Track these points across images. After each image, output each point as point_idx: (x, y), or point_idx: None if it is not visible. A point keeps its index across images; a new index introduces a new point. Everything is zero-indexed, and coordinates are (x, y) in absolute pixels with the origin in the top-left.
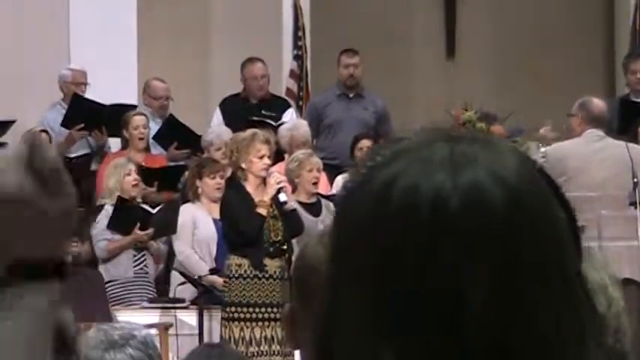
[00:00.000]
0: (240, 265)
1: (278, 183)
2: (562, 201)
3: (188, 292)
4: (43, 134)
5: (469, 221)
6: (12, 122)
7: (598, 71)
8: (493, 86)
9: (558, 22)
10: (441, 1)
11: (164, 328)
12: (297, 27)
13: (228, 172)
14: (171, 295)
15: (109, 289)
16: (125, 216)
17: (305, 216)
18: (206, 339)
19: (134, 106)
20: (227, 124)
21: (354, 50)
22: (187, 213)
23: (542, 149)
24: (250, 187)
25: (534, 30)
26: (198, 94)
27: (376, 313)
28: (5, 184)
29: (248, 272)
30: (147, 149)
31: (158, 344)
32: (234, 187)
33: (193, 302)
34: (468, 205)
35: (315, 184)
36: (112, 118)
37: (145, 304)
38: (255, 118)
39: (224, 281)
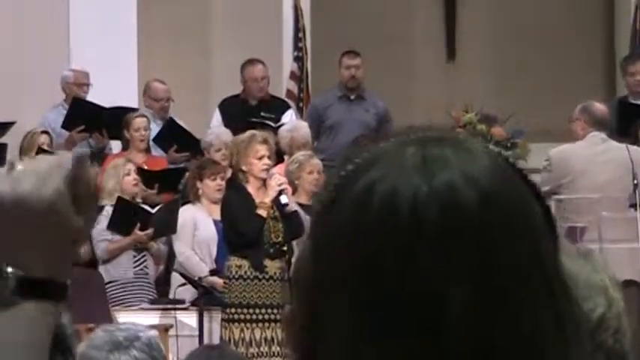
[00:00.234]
0: (240, 267)
1: (279, 185)
2: (536, 195)
3: (189, 293)
4: (44, 135)
5: (445, 224)
6: (12, 124)
7: (598, 72)
8: (493, 87)
9: (558, 23)
10: (441, 1)
11: (164, 329)
12: (298, 28)
13: (229, 174)
14: (171, 296)
15: (109, 289)
16: (125, 216)
17: (305, 218)
18: (206, 340)
19: (135, 109)
20: (226, 126)
21: (356, 52)
22: (188, 214)
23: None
24: (251, 188)
25: (534, 31)
26: (199, 94)
27: (357, 316)
28: (44, 188)
29: (248, 273)
30: (147, 150)
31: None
32: (235, 189)
33: (193, 303)
34: (443, 208)
35: (315, 185)
36: (112, 121)
37: (145, 305)
38: (254, 120)
39: (224, 282)
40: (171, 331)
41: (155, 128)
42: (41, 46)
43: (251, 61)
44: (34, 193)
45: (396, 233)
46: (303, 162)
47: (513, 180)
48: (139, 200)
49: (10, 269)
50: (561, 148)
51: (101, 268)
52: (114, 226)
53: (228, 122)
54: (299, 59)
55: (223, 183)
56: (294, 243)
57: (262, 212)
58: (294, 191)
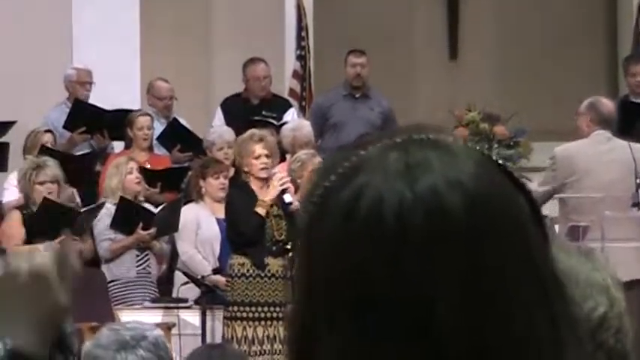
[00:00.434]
0: (242, 265)
1: (282, 184)
2: (524, 193)
3: (192, 292)
4: (48, 134)
5: (430, 229)
6: (12, 123)
7: (601, 72)
8: (496, 87)
9: (561, 23)
10: (444, 1)
11: (167, 328)
12: (300, 27)
13: (232, 172)
14: (174, 295)
15: (111, 288)
16: (128, 216)
17: None
18: (209, 339)
19: (136, 111)
20: (228, 124)
21: (362, 50)
22: (191, 213)
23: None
24: (255, 187)
25: (537, 31)
26: (201, 94)
27: (349, 322)
28: (39, 263)
29: (250, 271)
30: (150, 149)
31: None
32: (238, 187)
33: (196, 302)
34: (427, 213)
35: None
36: (113, 123)
37: (148, 303)
38: (256, 118)
39: (227, 280)
40: (174, 330)
41: (158, 127)
42: (44, 46)
43: (253, 60)
44: (26, 269)
45: (383, 241)
46: (306, 161)
47: (498, 180)
48: (141, 199)
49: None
50: (566, 146)
51: (103, 267)
52: (117, 225)
53: (229, 121)
54: (302, 58)
55: (226, 182)
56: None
57: (261, 211)
58: (297, 190)
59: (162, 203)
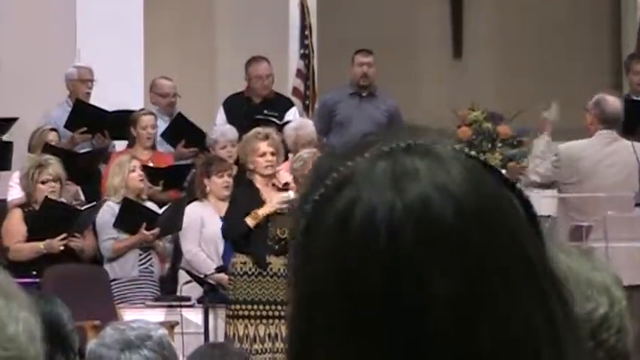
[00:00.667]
0: (244, 263)
1: (285, 185)
2: (516, 193)
3: (195, 290)
4: (53, 132)
5: (422, 238)
6: (14, 120)
7: (604, 70)
8: (499, 86)
9: (565, 22)
10: (448, 1)
11: (170, 326)
12: (304, 26)
13: (234, 171)
14: (179, 293)
15: (114, 287)
16: (131, 216)
17: None
18: (212, 337)
19: (140, 110)
20: (230, 123)
21: (369, 50)
22: (195, 212)
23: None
24: (260, 185)
25: (541, 30)
26: (205, 93)
27: (345, 331)
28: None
29: (252, 270)
30: (153, 148)
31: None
32: (243, 186)
33: (199, 301)
34: (418, 223)
35: None
36: (115, 123)
37: (150, 302)
38: (258, 117)
39: (229, 279)
40: (177, 329)
41: (162, 125)
42: (47, 45)
43: (256, 59)
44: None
45: (377, 252)
46: (308, 160)
47: (488, 184)
48: (144, 197)
49: None
50: (570, 145)
51: (106, 266)
52: (120, 224)
53: (231, 120)
54: (305, 57)
55: (230, 180)
56: None
57: (250, 222)
58: (299, 189)
59: (165, 201)
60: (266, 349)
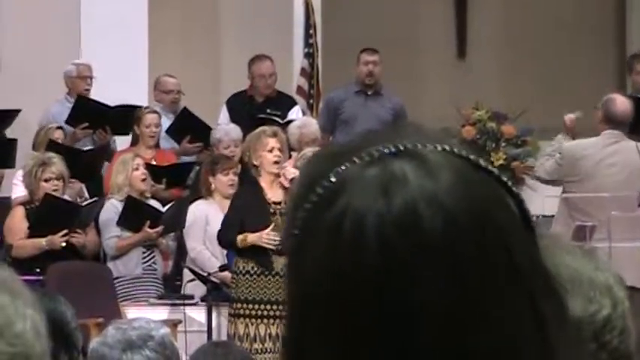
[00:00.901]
0: (247, 262)
1: (292, 180)
2: (512, 195)
3: (199, 288)
4: (59, 130)
5: (410, 247)
6: (17, 112)
7: (609, 69)
8: (503, 86)
9: (569, 22)
10: (452, 0)
11: (173, 324)
12: (309, 25)
13: (238, 170)
14: (184, 291)
15: (118, 285)
16: (135, 214)
17: None
18: (215, 336)
19: (139, 107)
20: (233, 122)
21: (374, 49)
22: (200, 210)
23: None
24: (264, 183)
25: (545, 29)
26: (209, 92)
27: (336, 338)
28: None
29: (255, 269)
30: (156, 146)
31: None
32: (247, 185)
33: (202, 299)
34: (405, 231)
35: None
36: (117, 119)
37: (154, 300)
38: (261, 116)
39: (232, 277)
40: (180, 327)
41: (166, 122)
42: (51, 42)
43: (259, 57)
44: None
45: (367, 260)
46: None
47: (478, 186)
48: (147, 195)
49: None
50: (574, 143)
51: (110, 264)
52: (124, 222)
53: (234, 119)
54: (309, 56)
55: (236, 178)
56: None
57: (239, 242)
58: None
59: (168, 199)
60: (266, 349)
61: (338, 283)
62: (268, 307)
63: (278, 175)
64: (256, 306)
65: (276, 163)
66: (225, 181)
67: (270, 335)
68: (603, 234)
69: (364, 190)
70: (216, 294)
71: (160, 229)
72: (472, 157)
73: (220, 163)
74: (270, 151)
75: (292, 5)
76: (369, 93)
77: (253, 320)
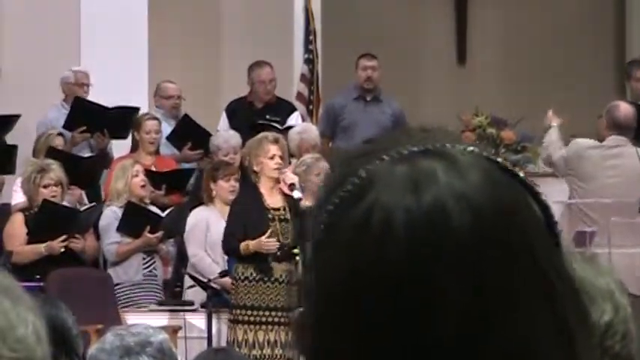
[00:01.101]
0: (246, 268)
1: (291, 185)
2: (536, 198)
3: (199, 295)
4: (60, 137)
5: (438, 244)
6: (17, 117)
7: (609, 75)
8: (503, 92)
9: (569, 28)
10: (452, 6)
11: (173, 330)
12: (309, 31)
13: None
14: (185, 297)
15: (118, 291)
16: (135, 219)
17: None
18: (215, 342)
19: (137, 109)
20: (232, 128)
21: (373, 54)
22: (201, 216)
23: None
24: (264, 189)
25: (545, 35)
26: (209, 98)
27: (359, 335)
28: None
29: (254, 275)
30: (156, 152)
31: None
32: (246, 191)
33: (203, 305)
34: (434, 228)
35: None
36: (115, 121)
37: (154, 306)
38: (260, 122)
39: (231, 283)
40: (180, 333)
41: (167, 129)
42: (52, 50)
43: (259, 63)
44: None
45: (392, 256)
46: (311, 165)
47: (507, 190)
48: (147, 202)
49: None
50: (583, 141)
51: (110, 270)
52: (124, 228)
53: (234, 125)
54: (309, 62)
55: (237, 184)
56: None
57: (242, 249)
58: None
59: (168, 205)
60: (265, 356)
61: (361, 277)
62: (267, 313)
63: (278, 181)
64: (255, 312)
65: (276, 169)
66: (226, 188)
67: (268, 341)
68: (603, 239)
69: (393, 187)
70: (216, 300)
71: (160, 234)
72: (499, 159)
73: (221, 170)
74: (272, 157)
75: (292, 11)
76: (369, 99)
77: (252, 326)
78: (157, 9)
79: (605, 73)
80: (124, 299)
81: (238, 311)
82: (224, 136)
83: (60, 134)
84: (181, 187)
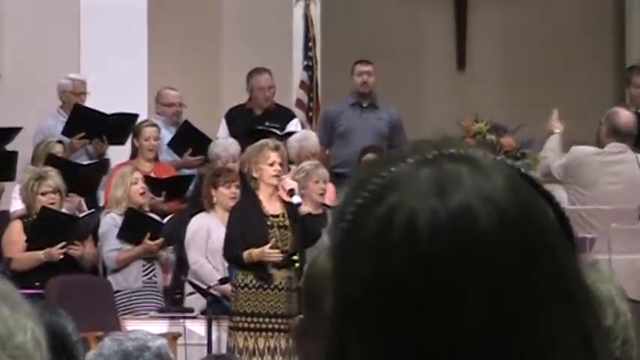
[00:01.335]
0: (246, 275)
1: (290, 191)
2: (554, 205)
3: (201, 301)
4: (59, 145)
5: (463, 248)
6: (18, 129)
7: (609, 83)
8: (503, 98)
9: (569, 33)
10: (452, 12)
11: (173, 337)
12: (308, 38)
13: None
14: (185, 304)
15: (118, 298)
16: (135, 226)
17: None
18: (215, 349)
19: (136, 115)
20: (232, 135)
21: (368, 60)
22: (201, 222)
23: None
24: (262, 196)
25: (544, 41)
26: (209, 105)
27: (379, 338)
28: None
29: (254, 282)
30: (155, 159)
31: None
32: (245, 198)
33: (203, 312)
34: (460, 231)
35: (322, 194)
36: (114, 127)
37: (154, 313)
38: (259, 128)
39: (231, 290)
40: (180, 340)
41: (168, 135)
42: (51, 57)
43: (258, 70)
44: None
45: (417, 258)
46: (310, 172)
47: (528, 195)
48: (146, 209)
49: None
50: (583, 148)
51: (110, 277)
52: (124, 235)
53: (233, 132)
54: (309, 68)
55: (237, 191)
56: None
57: (245, 257)
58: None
59: (167, 212)
60: None
61: (383, 278)
62: (267, 320)
63: (277, 189)
64: (255, 319)
65: (275, 176)
66: (227, 194)
67: (269, 348)
68: (603, 246)
69: (418, 188)
70: (216, 307)
71: (160, 240)
72: (518, 166)
73: (222, 176)
74: (271, 164)
75: (292, 18)
76: (365, 105)
77: (252, 333)
78: (157, 15)
79: (605, 79)
80: (123, 306)
81: (238, 318)
82: (223, 144)
83: (59, 142)
84: (181, 194)
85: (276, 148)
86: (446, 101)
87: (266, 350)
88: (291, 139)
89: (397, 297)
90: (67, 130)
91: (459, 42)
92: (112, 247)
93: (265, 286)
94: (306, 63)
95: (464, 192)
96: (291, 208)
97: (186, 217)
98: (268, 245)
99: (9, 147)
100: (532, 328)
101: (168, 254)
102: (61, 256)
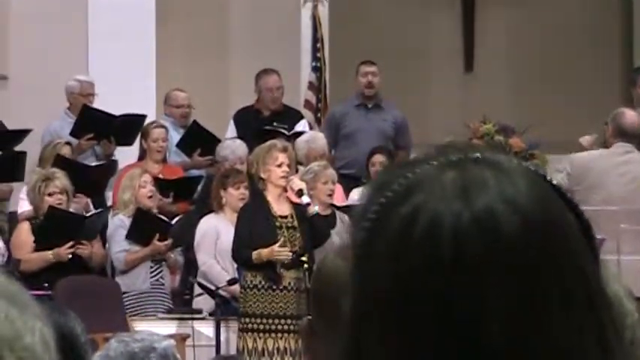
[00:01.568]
0: (255, 276)
1: (299, 191)
2: (576, 211)
3: (208, 303)
4: (67, 146)
5: (486, 251)
6: (27, 131)
7: (616, 83)
8: (511, 99)
9: (576, 35)
10: (460, 13)
11: (181, 339)
12: (316, 39)
13: None
14: (194, 305)
15: (126, 299)
16: (144, 227)
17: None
18: (223, 350)
19: (144, 116)
20: (240, 137)
21: (372, 61)
22: (210, 223)
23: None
24: (270, 196)
25: (552, 42)
26: (217, 106)
27: (400, 339)
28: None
29: (263, 283)
30: (164, 160)
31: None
32: (252, 199)
33: (211, 313)
34: (484, 234)
35: (330, 195)
36: (122, 129)
37: (162, 314)
38: (267, 128)
39: (240, 291)
40: (189, 341)
41: (176, 137)
42: (59, 58)
43: (266, 71)
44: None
45: (439, 260)
46: (318, 172)
47: (552, 200)
48: (155, 211)
49: None
50: (585, 154)
51: (118, 279)
52: (133, 236)
53: (241, 133)
54: (317, 69)
55: (246, 192)
56: (315, 251)
57: (255, 257)
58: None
59: (175, 213)
60: None
61: (405, 278)
62: (276, 321)
63: (285, 189)
64: (264, 320)
65: (283, 177)
66: (236, 195)
67: (278, 349)
68: (612, 247)
69: (442, 190)
70: (224, 308)
71: (169, 241)
72: (541, 171)
73: (231, 177)
74: (279, 165)
75: (300, 19)
76: (370, 106)
77: (261, 334)
78: (165, 16)
79: (613, 80)
80: (132, 308)
81: (247, 319)
82: (231, 146)
83: (67, 143)
84: (189, 195)
85: (284, 150)
86: (453, 102)
87: (275, 351)
88: (300, 140)
89: (418, 298)
90: (75, 132)
91: (467, 43)
92: (120, 248)
93: (274, 287)
94: (314, 64)
95: (488, 195)
96: (299, 209)
97: (195, 218)
98: (277, 244)
99: (17, 148)
100: (556, 331)
101: (177, 256)
102: (70, 256)
